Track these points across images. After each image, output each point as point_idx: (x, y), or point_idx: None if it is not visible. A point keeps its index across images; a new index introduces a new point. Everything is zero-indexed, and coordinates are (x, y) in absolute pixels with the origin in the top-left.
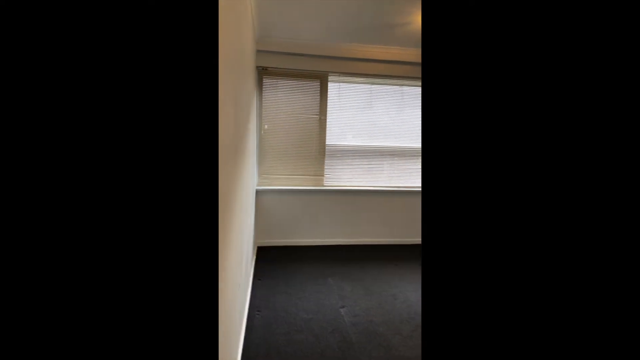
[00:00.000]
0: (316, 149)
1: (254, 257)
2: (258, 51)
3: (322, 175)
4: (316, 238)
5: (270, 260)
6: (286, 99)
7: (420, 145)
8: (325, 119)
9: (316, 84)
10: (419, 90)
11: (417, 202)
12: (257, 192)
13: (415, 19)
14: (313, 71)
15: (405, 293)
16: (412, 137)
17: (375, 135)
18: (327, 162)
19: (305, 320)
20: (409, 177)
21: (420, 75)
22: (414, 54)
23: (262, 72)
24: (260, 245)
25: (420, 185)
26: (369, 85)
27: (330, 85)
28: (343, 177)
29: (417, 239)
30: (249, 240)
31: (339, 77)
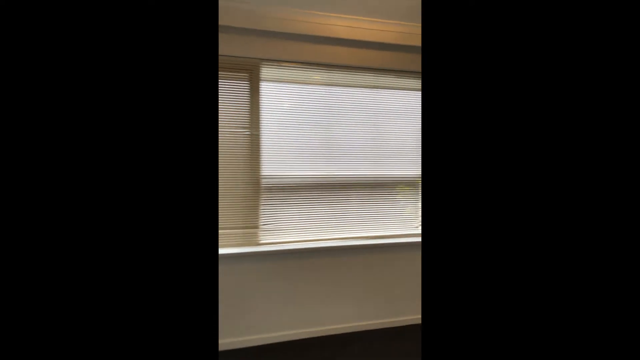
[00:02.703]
0: (246, 185)
1: None
2: None
3: (257, 228)
4: (251, 334)
5: None
6: None
7: (420, 173)
8: (259, 136)
9: (242, 81)
10: (408, 92)
11: (417, 258)
12: None
13: None
14: (235, 58)
15: None
16: (400, 160)
17: (341, 160)
18: (263, 205)
19: None
20: (400, 220)
21: (416, 68)
22: (406, 31)
23: None
24: None
25: (421, 233)
26: (325, 87)
27: (263, 84)
28: (291, 228)
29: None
30: None
31: (278, 69)
